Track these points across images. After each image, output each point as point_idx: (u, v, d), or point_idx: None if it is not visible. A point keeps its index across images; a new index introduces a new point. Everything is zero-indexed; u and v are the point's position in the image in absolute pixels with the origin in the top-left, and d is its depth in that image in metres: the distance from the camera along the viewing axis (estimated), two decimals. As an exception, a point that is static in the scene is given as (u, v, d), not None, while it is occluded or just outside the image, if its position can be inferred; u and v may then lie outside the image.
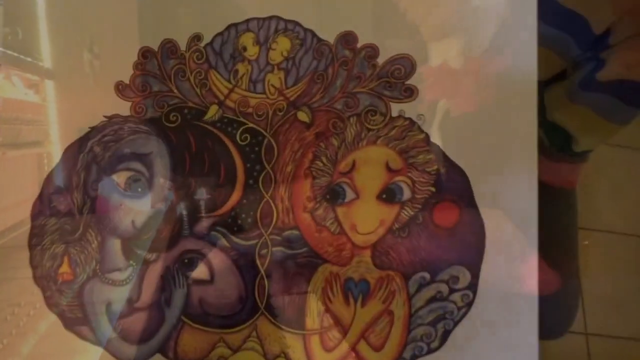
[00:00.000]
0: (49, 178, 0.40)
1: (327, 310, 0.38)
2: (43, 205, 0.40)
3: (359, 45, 0.39)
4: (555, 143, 0.61)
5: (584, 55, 0.58)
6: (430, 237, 0.37)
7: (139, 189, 0.40)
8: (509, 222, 0.35)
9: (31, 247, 0.40)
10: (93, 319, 0.39)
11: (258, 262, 0.39)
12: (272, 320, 0.39)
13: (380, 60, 0.38)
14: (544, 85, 0.61)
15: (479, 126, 0.37)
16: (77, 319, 0.39)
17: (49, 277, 0.39)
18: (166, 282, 0.39)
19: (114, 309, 0.39)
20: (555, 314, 0.66)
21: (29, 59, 0.38)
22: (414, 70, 0.38)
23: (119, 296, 0.39)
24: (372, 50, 0.39)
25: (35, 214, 0.40)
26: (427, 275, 0.37)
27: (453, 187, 0.37)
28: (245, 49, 0.40)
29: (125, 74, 0.40)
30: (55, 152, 0.38)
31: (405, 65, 0.38)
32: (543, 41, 0.46)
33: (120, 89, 0.40)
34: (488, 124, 0.37)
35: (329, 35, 0.39)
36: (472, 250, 0.36)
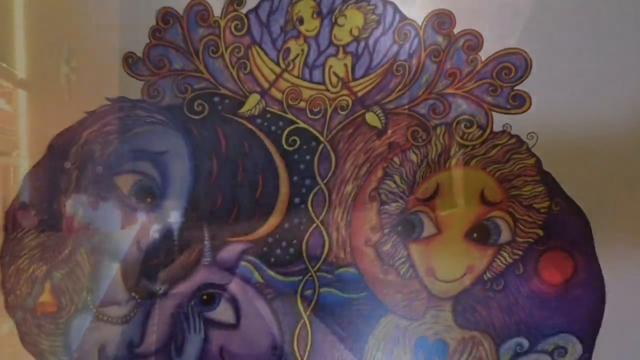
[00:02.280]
0: (29, 176, 0.31)
1: None
2: (20, 212, 0.31)
3: (456, 31, 0.31)
4: None
5: None
6: (533, 294, 0.29)
7: (148, 199, 0.32)
8: None
9: (2, 266, 0.31)
10: None
11: (300, 305, 0.31)
12: None
13: (484, 54, 0.30)
14: None
15: (608, 154, 0.30)
16: (58, 364, 0.32)
17: (25, 308, 0.31)
18: (178, 324, 0.31)
19: (108, 354, 0.32)
20: None
21: (3, 64, 0.32)
22: (528, 72, 0.30)
23: (116, 337, 0.31)
24: (475, 40, 0.30)
25: (8, 225, 0.31)
26: (525, 343, 0.29)
27: (568, 231, 0.29)
28: (301, 21, 0.31)
29: (138, 44, 0.31)
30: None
31: (517, 64, 0.30)
32: None
33: (131, 63, 0.31)
34: (621, 151, 0.29)
35: (417, 12, 0.30)
36: (586, 315, 0.29)
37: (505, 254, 0.29)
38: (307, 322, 0.31)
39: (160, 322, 0.31)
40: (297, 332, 0.31)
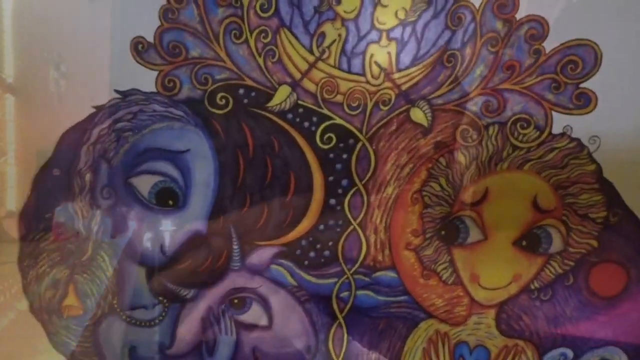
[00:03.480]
0: (39, 179, 0.28)
1: None
2: (35, 215, 0.29)
3: (518, 16, 0.26)
4: None
5: None
6: (582, 305, 0.28)
7: (170, 201, 0.29)
8: None
9: (23, 269, 0.29)
10: None
11: (336, 306, 0.30)
12: None
13: (549, 45, 0.26)
14: None
15: None
16: (89, 366, 0.31)
17: (51, 310, 0.30)
18: (208, 327, 0.30)
19: (139, 355, 0.31)
20: None
21: None
22: (597, 68, 0.26)
23: (146, 340, 0.30)
24: (539, 28, 0.26)
25: (25, 226, 0.29)
26: (569, 354, 0.28)
27: (624, 244, 0.27)
28: (339, 0, 0.27)
29: (148, 28, 0.27)
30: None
31: (585, 58, 0.26)
32: None
33: (141, 50, 0.27)
34: None
35: (476, -6, 0.26)
36: (635, 330, 0.28)
37: (555, 264, 0.28)
38: (342, 323, 0.30)
39: (190, 325, 0.29)
40: (332, 332, 0.30)
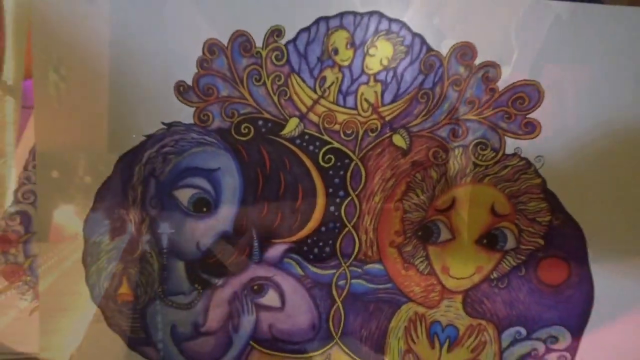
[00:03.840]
0: (101, 192, 0.35)
1: (409, 350, 0.36)
2: (96, 221, 0.36)
3: (477, 62, 0.33)
4: None
5: None
6: (532, 292, 0.34)
7: (204, 209, 0.36)
8: (625, 292, 0.33)
9: (86, 265, 0.37)
10: (158, 341, 0.38)
11: (335, 292, 0.36)
12: (347, 352, 0.38)
13: (502, 84, 0.33)
14: None
15: (606, 179, 0.33)
16: (140, 339, 0.37)
17: (108, 297, 0.37)
18: (234, 308, 0.37)
19: (179, 331, 0.38)
20: None
21: None
22: (540, 102, 0.33)
23: (184, 319, 0.37)
24: (493, 71, 0.32)
25: (89, 231, 0.36)
26: (523, 331, 0.35)
27: (565, 242, 0.33)
28: (336, 51, 0.33)
29: (187, 73, 0.34)
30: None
31: (530, 95, 0.32)
32: None
33: (182, 91, 0.34)
34: (618, 176, 0.33)
35: (442, 45, 0.32)
36: (576, 312, 0.34)
37: (510, 258, 0.34)
38: (340, 306, 0.36)
39: (220, 307, 0.36)
40: (332, 313, 0.36)
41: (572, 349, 0.34)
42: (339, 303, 0.36)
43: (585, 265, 0.33)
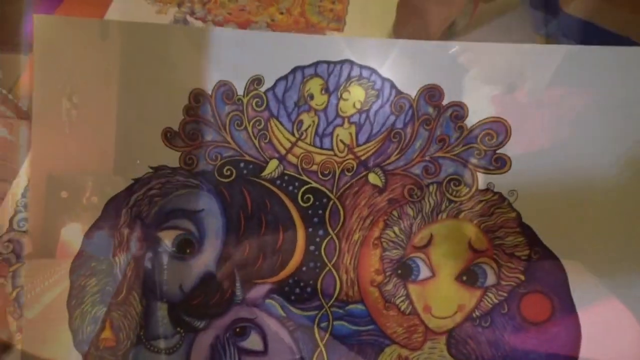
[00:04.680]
0: (89, 235, 0.37)
1: None
2: (83, 265, 0.37)
3: (445, 102, 0.34)
4: None
5: None
6: (516, 330, 0.33)
7: (188, 250, 0.36)
8: (616, 327, 0.32)
9: (70, 309, 0.37)
10: None
11: (317, 335, 0.36)
12: None
13: (469, 122, 0.34)
14: None
15: (582, 210, 0.33)
16: (120, 386, 0.37)
17: (90, 342, 0.37)
18: (216, 352, 0.37)
19: None
20: None
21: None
22: (508, 138, 0.34)
23: None
24: (460, 110, 0.34)
25: (75, 273, 0.37)
26: None
27: (546, 276, 0.33)
28: (312, 97, 0.35)
29: (174, 120, 0.36)
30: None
31: (498, 131, 0.34)
32: None
33: (169, 137, 0.36)
34: (594, 207, 0.33)
35: (411, 88, 0.34)
36: (563, 350, 0.32)
37: (491, 295, 0.33)
38: (323, 350, 0.35)
39: (202, 351, 0.36)
40: (315, 357, 0.35)
41: None
42: (322, 347, 0.35)
43: (568, 299, 0.32)
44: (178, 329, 0.35)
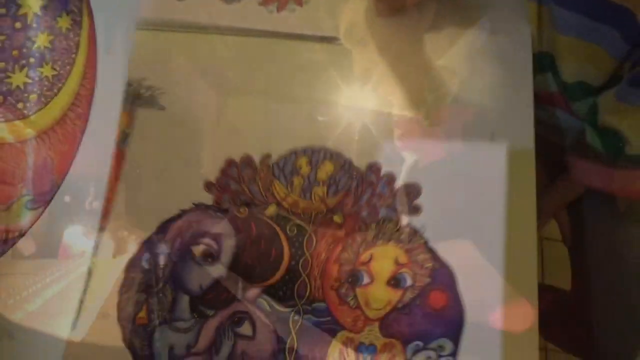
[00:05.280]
0: (149, 242, 0.53)
1: None
2: (137, 264, 0.52)
3: (382, 173, 0.54)
4: (608, 147, 0.59)
5: (635, 52, 0.55)
6: (425, 315, 0.47)
7: (209, 260, 0.52)
8: (486, 311, 0.47)
9: (120, 293, 0.51)
10: (157, 358, 0.49)
11: (291, 325, 0.50)
12: None
13: (397, 185, 0.53)
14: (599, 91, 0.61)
15: (469, 237, 0.51)
16: (144, 357, 0.49)
17: (129, 319, 0.50)
18: (218, 334, 0.49)
19: (175, 352, 0.49)
20: (626, 335, 0.69)
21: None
22: (420, 194, 0.52)
23: (181, 342, 0.49)
24: (391, 177, 0.53)
25: (130, 268, 0.52)
26: (420, 344, 0.47)
27: (442, 279, 0.49)
28: (300, 167, 0.55)
29: (212, 176, 0.55)
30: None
31: (414, 190, 0.53)
32: (586, 35, 0.52)
33: (208, 186, 0.55)
34: (477, 235, 0.50)
35: (361, 163, 0.54)
36: (455, 327, 0.47)
37: (409, 293, 0.48)
38: (294, 336, 0.48)
39: (208, 333, 0.49)
40: (288, 342, 0.48)
41: (454, 354, 0.45)
42: (294, 334, 0.48)
43: (457, 294, 0.47)
44: (194, 314, 0.49)
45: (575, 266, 0.86)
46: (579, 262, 0.84)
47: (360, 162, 0.54)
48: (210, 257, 0.51)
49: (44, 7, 0.33)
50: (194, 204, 0.53)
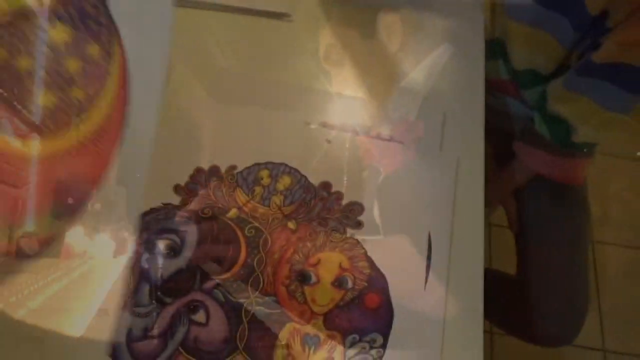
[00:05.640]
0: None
1: (289, 354, 0.52)
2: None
3: (332, 190, 0.62)
4: (555, 135, 0.60)
5: (584, 41, 0.56)
6: (362, 313, 0.54)
7: (172, 253, 0.57)
8: (413, 313, 0.55)
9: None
10: (116, 337, 0.52)
11: (243, 315, 0.55)
12: (247, 358, 0.53)
13: (344, 202, 0.61)
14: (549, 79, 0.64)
15: (402, 247, 0.59)
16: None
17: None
18: (174, 320, 0.53)
19: (133, 333, 0.52)
20: (564, 317, 0.74)
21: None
22: (363, 211, 0.60)
23: (139, 326, 0.53)
24: (339, 195, 0.61)
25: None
26: (357, 337, 0.53)
27: (377, 284, 0.56)
28: (262, 178, 0.61)
29: (182, 180, 0.60)
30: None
31: (358, 208, 0.61)
32: (538, 22, 0.54)
33: (177, 189, 0.60)
34: (407, 248, 0.59)
35: (316, 180, 0.61)
36: (384, 324, 0.54)
37: (349, 293, 0.55)
38: (245, 325, 0.53)
39: (165, 319, 0.53)
40: (239, 330, 0.53)
41: (384, 346, 0.52)
42: (245, 323, 0.53)
43: (388, 297, 0.54)
44: (153, 301, 0.53)
45: (519, 251, 0.89)
46: (523, 247, 0.87)
47: (315, 179, 0.61)
48: (173, 250, 0.56)
49: (75, 36, 0.37)
50: (162, 203, 0.58)
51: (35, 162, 0.41)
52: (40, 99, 0.37)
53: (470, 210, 0.58)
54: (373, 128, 0.62)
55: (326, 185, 0.61)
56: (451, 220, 0.59)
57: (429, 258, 0.57)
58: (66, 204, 0.49)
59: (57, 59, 0.37)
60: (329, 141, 0.63)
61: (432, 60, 0.63)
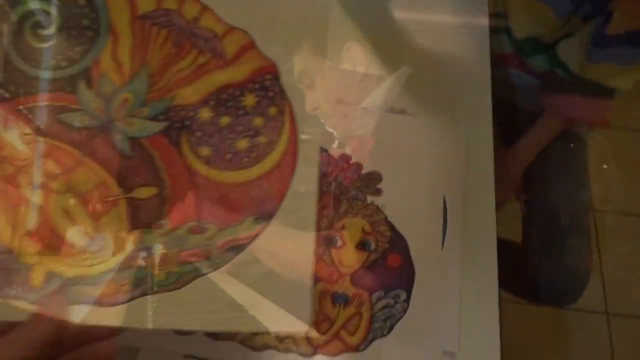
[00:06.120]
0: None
1: (321, 311, 0.57)
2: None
3: (352, 161, 0.66)
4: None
5: (580, 10, 0.61)
6: (385, 272, 0.59)
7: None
8: (432, 270, 0.60)
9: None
10: None
11: (277, 279, 0.59)
12: None
13: (364, 171, 0.65)
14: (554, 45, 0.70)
15: (420, 213, 0.63)
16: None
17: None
18: None
19: None
20: (568, 277, 0.80)
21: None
22: (381, 179, 0.65)
23: None
24: (359, 166, 0.65)
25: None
26: (382, 293, 0.58)
27: (398, 245, 0.61)
28: (286, 154, 0.66)
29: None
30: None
31: (377, 176, 0.65)
32: None
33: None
34: (425, 214, 0.63)
35: (336, 154, 0.66)
36: (407, 281, 0.59)
37: (373, 254, 0.59)
38: None
39: None
40: None
41: (407, 301, 0.57)
42: None
43: (409, 256, 0.59)
44: None
45: (524, 220, 0.96)
46: (528, 216, 0.95)
47: (335, 153, 0.65)
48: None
49: (258, 102, 0.55)
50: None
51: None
52: (236, 143, 0.54)
53: (481, 175, 0.63)
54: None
55: (346, 157, 0.65)
56: (464, 184, 0.63)
57: (445, 219, 0.61)
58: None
59: (249, 117, 0.55)
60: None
61: (392, 80, 0.68)
